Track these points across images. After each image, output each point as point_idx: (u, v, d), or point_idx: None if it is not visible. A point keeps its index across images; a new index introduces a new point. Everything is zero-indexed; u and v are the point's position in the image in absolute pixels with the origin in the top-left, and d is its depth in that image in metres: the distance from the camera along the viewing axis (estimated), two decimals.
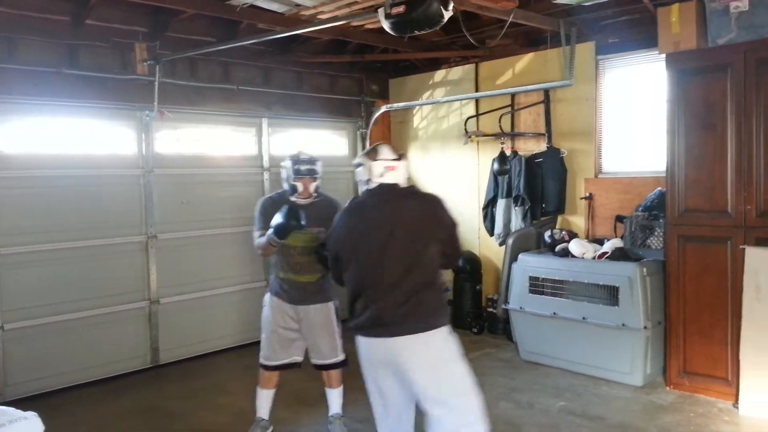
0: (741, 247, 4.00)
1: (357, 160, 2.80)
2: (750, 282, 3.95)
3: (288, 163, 3.69)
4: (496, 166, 5.82)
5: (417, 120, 6.98)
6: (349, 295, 2.76)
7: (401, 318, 2.59)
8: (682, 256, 4.29)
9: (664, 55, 4.34)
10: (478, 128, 6.23)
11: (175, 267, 5.44)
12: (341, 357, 3.78)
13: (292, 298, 3.67)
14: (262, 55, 5.92)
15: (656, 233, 4.63)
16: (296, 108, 6.28)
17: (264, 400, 3.83)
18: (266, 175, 6.05)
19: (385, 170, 2.71)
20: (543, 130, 5.80)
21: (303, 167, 3.66)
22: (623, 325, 4.44)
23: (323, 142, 6.70)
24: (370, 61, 6.63)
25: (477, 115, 6.27)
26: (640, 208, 4.83)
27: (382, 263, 2.61)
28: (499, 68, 6.14)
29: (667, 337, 4.43)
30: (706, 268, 4.20)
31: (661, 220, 4.56)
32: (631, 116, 5.38)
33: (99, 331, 5.01)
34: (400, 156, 2.80)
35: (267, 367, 3.78)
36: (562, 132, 5.71)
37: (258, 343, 5.77)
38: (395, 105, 6.56)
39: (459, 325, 6.18)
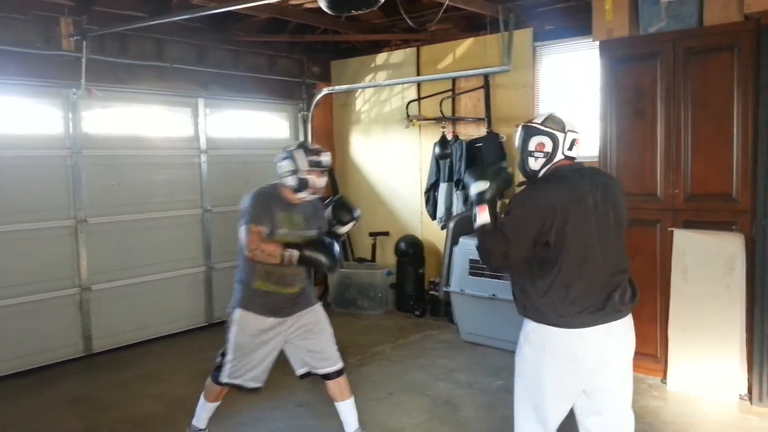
0: (669, 229, 4.17)
1: (534, 126, 2.43)
2: (678, 263, 4.12)
3: (297, 154, 3.10)
4: (437, 150, 5.86)
5: (359, 103, 6.93)
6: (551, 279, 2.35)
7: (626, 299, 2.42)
8: None
9: (598, 43, 4.44)
10: (419, 112, 6.24)
11: (108, 252, 5.23)
12: (341, 363, 3.32)
13: (274, 311, 3.16)
14: (196, 32, 5.72)
15: None
16: (234, 88, 6.12)
17: (207, 412, 3.43)
18: (203, 158, 5.88)
19: (573, 143, 2.43)
20: (483, 115, 5.86)
21: (318, 158, 3.10)
22: None
23: (263, 124, 6.56)
24: (311, 42, 6.52)
25: (419, 99, 6.28)
26: None
27: (607, 241, 2.38)
28: (440, 52, 6.15)
29: None
30: (637, 249, 4.34)
31: None
32: (567, 102, 5.50)
33: (27, 320, 4.77)
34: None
35: (227, 385, 3.26)
36: (501, 117, 5.79)
37: (196, 330, 5.80)
38: (337, 87, 6.50)
39: (402, 308, 6.24)
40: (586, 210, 2.33)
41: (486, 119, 5.82)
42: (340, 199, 3.30)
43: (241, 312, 3.17)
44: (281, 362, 3.83)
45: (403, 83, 6.28)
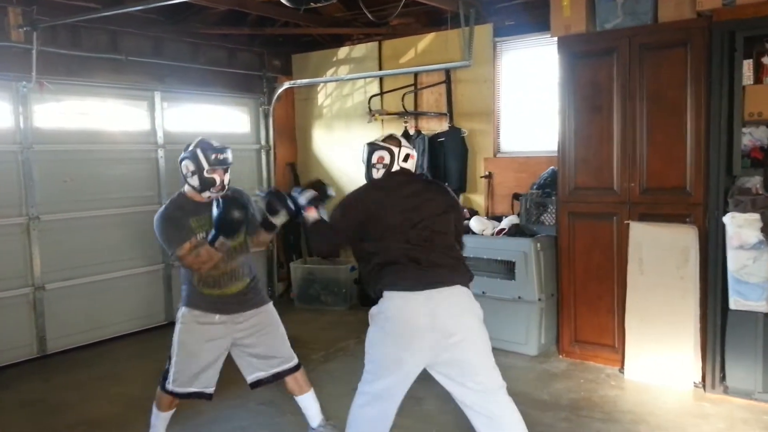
0: (626, 222, 4.25)
1: (375, 143, 2.94)
2: (634, 255, 4.21)
3: (197, 153, 3.01)
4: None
5: (321, 98, 6.88)
6: (380, 262, 2.69)
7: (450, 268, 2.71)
8: (572, 232, 4.51)
9: (556, 39, 4.49)
10: (382, 107, 6.23)
11: (62, 250, 5.08)
12: (296, 359, 3.31)
13: (221, 308, 3.09)
14: (152, 24, 5.58)
15: (549, 210, 4.83)
16: (192, 82, 5.99)
17: (161, 421, 3.27)
18: (161, 152, 5.75)
19: (407, 157, 2.92)
20: (445, 109, 5.89)
21: (220, 155, 3.03)
22: (519, 297, 4.62)
23: (223, 118, 6.45)
24: (271, 35, 6.43)
25: (381, 93, 6.26)
26: (535, 186, 5.02)
27: (434, 223, 2.75)
28: (401, 47, 6.15)
29: (559, 308, 4.66)
30: (595, 242, 4.43)
31: (553, 198, 4.76)
32: (526, 98, 5.57)
33: None
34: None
35: (174, 394, 3.14)
36: (462, 112, 5.82)
37: (155, 329, 5.68)
38: (299, 81, 6.44)
39: (366, 303, 6.20)
40: (409, 199, 2.77)
41: (448, 114, 5.85)
42: (273, 190, 3.17)
43: (185, 309, 3.11)
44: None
45: (365, 78, 6.25)
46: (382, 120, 6.21)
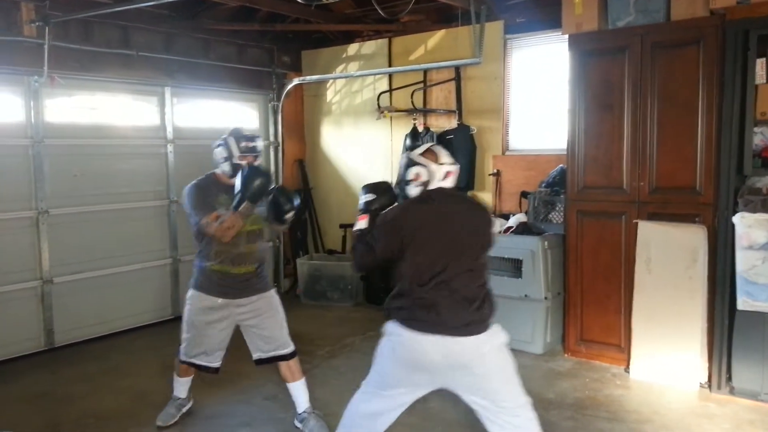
0: (634, 221, 4.23)
1: (412, 158, 2.67)
2: (642, 254, 4.19)
3: (229, 140, 3.30)
4: (408, 142, 5.85)
5: (330, 94, 6.88)
6: (407, 285, 2.57)
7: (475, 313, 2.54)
8: (580, 230, 4.49)
9: (567, 36, 4.47)
10: (391, 104, 6.22)
11: (70, 244, 5.10)
12: (293, 347, 3.48)
13: (223, 292, 3.32)
14: (164, 19, 5.60)
15: (557, 208, 4.81)
16: (202, 77, 6.01)
17: (181, 385, 3.68)
18: (170, 148, 5.77)
19: (446, 175, 2.65)
20: (454, 107, 5.87)
21: (251, 144, 3.31)
22: (526, 296, 4.61)
23: (233, 114, 6.46)
24: (281, 32, 6.44)
25: (390, 90, 6.26)
26: (543, 185, 5.00)
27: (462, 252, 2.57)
28: (411, 44, 6.14)
29: (565, 307, 4.64)
30: (603, 241, 4.41)
31: (562, 196, 4.73)
32: (536, 95, 5.54)
33: None
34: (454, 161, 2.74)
35: (185, 362, 3.52)
36: (471, 109, 5.80)
37: (162, 323, 5.71)
38: (308, 78, 6.43)
39: (372, 300, 6.22)
40: (442, 227, 2.57)
41: (457, 111, 5.83)
42: (279, 188, 3.30)
43: (193, 292, 3.39)
44: (244, 355, 3.81)
45: (374, 74, 6.25)
46: (391, 117, 6.20)
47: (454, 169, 2.69)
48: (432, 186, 2.63)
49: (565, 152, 4.54)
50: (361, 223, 2.75)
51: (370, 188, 2.86)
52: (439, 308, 2.48)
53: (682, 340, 4.03)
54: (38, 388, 4.28)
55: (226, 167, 3.30)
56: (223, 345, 3.47)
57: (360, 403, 2.71)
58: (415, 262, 2.53)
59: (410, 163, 2.66)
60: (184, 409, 3.73)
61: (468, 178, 5.70)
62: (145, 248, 5.62)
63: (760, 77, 3.69)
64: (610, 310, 4.40)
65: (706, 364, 3.99)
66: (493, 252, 4.61)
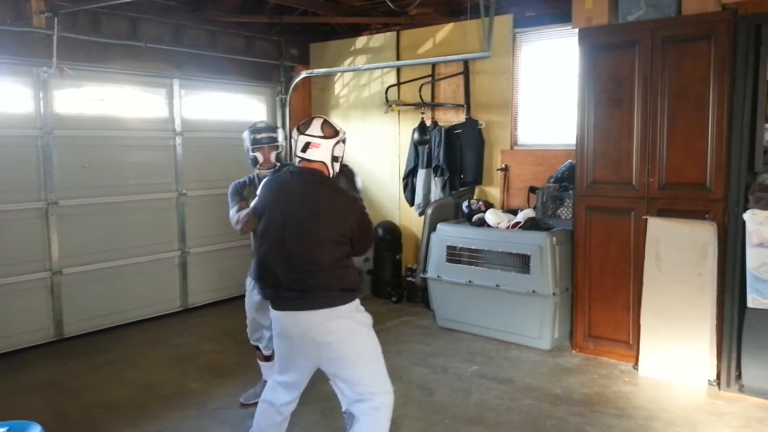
0: (643, 217, 4.21)
1: (293, 134, 2.77)
2: (651, 250, 4.17)
3: (245, 134, 3.62)
4: (416, 136, 5.83)
5: (338, 87, 6.86)
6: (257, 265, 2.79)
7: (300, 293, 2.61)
8: (589, 226, 4.47)
9: (577, 30, 4.44)
10: (399, 97, 6.21)
11: (79, 235, 5.13)
12: None
13: None
14: (172, 11, 5.59)
15: (566, 204, 4.79)
16: (210, 69, 6.01)
17: (266, 369, 3.77)
18: (178, 140, 5.78)
19: (305, 146, 2.67)
20: (462, 101, 5.84)
21: (260, 135, 3.59)
22: (533, 291, 4.60)
23: (240, 106, 6.46)
24: (289, 24, 6.42)
25: (398, 84, 6.23)
26: (552, 180, 4.98)
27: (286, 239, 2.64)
28: (420, 37, 6.11)
29: (573, 303, 4.63)
30: (611, 237, 4.39)
31: (570, 192, 4.71)
32: (545, 90, 5.51)
33: None
34: (331, 134, 2.69)
35: (262, 355, 3.76)
36: (480, 104, 5.78)
37: (170, 315, 5.74)
38: (316, 71, 6.40)
39: (379, 294, 6.23)
40: (281, 205, 2.66)
41: (465, 105, 5.81)
42: None
43: (248, 278, 3.63)
44: (252, 346, 3.83)
45: (382, 68, 6.22)
46: (399, 111, 6.18)
47: (320, 141, 2.65)
48: (296, 158, 2.72)
49: (574, 147, 4.52)
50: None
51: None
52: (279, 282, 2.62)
53: (691, 337, 4.01)
54: (48, 378, 4.31)
55: (250, 158, 3.64)
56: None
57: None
58: (264, 234, 2.71)
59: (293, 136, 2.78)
60: None
61: (476, 172, 5.69)
62: (154, 240, 5.64)
63: None
64: (619, 307, 4.39)
65: (715, 362, 3.98)
66: (500, 247, 4.60)
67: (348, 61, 6.66)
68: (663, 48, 4.08)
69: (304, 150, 2.66)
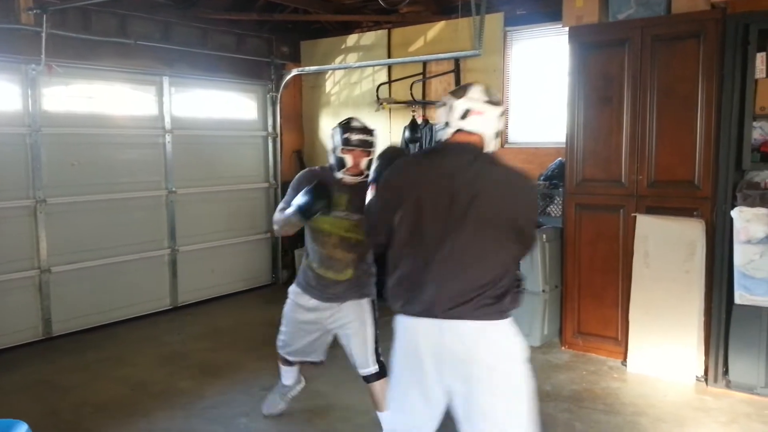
0: (632, 215, 4.23)
1: (441, 100, 2.22)
2: (639, 248, 4.19)
3: (336, 131, 3.01)
4: (407, 134, 5.84)
5: (329, 85, 6.86)
6: (394, 267, 2.19)
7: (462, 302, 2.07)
8: (578, 224, 4.49)
9: (567, 29, 4.45)
10: (390, 95, 6.20)
11: (68, 234, 5.09)
12: (374, 368, 3.07)
13: (321, 296, 3.08)
14: (161, 8, 5.57)
15: (556, 201, 4.81)
16: (200, 67, 5.98)
17: (287, 372, 3.52)
18: (168, 138, 5.75)
19: (465, 113, 2.13)
20: None
21: (355, 137, 2.95)
22: (523, 288, 4.61)
23: (231, 104, 6.44)
24: (280, 22, 6.41)
25: (389, 82, 6.24)
26: (542, 178, 5.00)
27: (453, 236, 2.07)
28: (411, 35, 6.11)
29: (563, 300, 4.65)
30: (600, 234, 4.42)
31: (560, 189, 4.73)
32: (536, 88, 5.53)
33: None
34: (493, 100, 2.18)
35: (286, 361, 3.42)
36: None
37: (160, 313, 5.72)
38: (307, 69, 6.41)
39: (380, 294, 6.20)
40: (440, 195, 2.07)
41: None
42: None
43: (293, 286, 3.24)
44: (243, 345, 3.82)
45: (373, 66, 6.22)
46: (390, 109, 6.18)
47: (484, 107, 2.13)
48: (449, 130, 2.16)
49: (564, 145, 4.54)
50: (369, 195, 2.36)
51: (381, 154, 2.50)
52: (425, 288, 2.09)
53: (679, 333, 4.04)
54: (36, 377, 4.29)
55: (331, 159, 3.03)
56: (309, 347, 3.25)
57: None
58: (405, 233, 2.12)
59: (440, 104, 2.23)
60: (291, 394, 3.59)
61: None
62: (143, 238, 5.61)
63: (760, 71, 3.69)
64: (608, 304, 4.41)
65: (703, 358, 4.01)
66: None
67: (339, 58, 6.65)
68: (652, 46, 4.10)
69: (463, 117, 2.13)
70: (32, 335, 4.93)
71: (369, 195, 2.37)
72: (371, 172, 2.46)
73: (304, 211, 2.82)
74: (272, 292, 6.52)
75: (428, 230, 2.09)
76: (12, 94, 4.78)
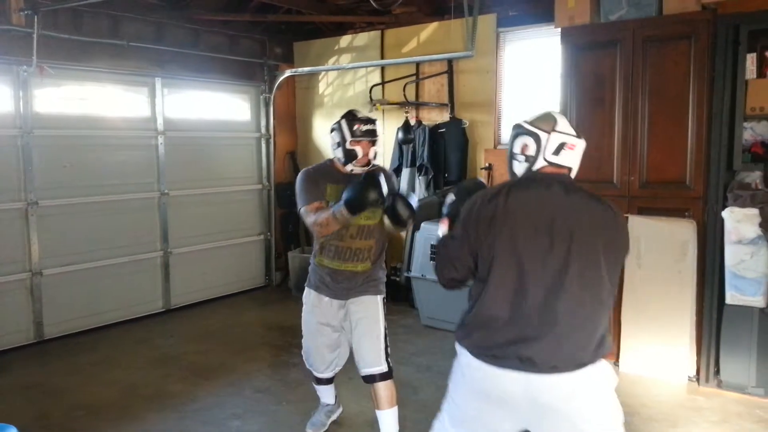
0: (624, 215, 4.24)
1: (520, 124, 2.11)
2: (632, 248, 4.15)
3: (342, 124, 2.97)
4: (400, 135, 5.84)
5: (322, 86, 6.85)
6: (479, 306, 2.05)
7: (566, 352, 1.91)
8: None
9: (560, 30, 4.46)
10: (383, 96, 6.21)
11: (60, 236, 5.07)
12: (384, 367, 3.01)
13: (335, 292, 3.05)
14: (154, 9, 5.55)
15: None
16: (193, 68, 5.97)
17: (324, 391, 3.42)
18: (161, 139, 5.73)
19: (560, 148, 2.02)
20: (446, 100, 5.86)
21: (362, 128, 2.94)
22: None
23: (224, 105, 6.43)
24: (273, 23, 6.40)
25: (382, 83, 6.24)
26: None
27: (560, 280, 1.90)
28: (404, 36, 6.11)
29: None
30: None
31: None
32: (528, 89, 5.54)
33: None
34: (580, 133, 2.10)
35: (317, 379, 3.31)
36: (464, 103, 5.80)
37: (153, 316, 5.70)
38: (300, 69, 6.41)
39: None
40: (534, 228, 1.94)
41: (449, 105, 5.83)
42: (397, 196, 2.89)
43: (306, 289, 3.17)
44: (236, 347, 3.81)
45: (367, 66, 6.22)
46: (383, 110, 6.18)
47: (576, 141, 2.05)
48: (538, 163, 2.03)
49: None
50: (441, 229, 2.24)
51: (456, 188, 2.34)
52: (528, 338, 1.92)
53: (671, 333, 4.06)
54: (28, 380, 4.26)
55: (339, 153, 2.98)
56: (327, 353, 3.18)
57: None
58: (494, 267, 1.97)
59: (517, 132, 2.09)
60: (334, 416, 3.50)
61: (460, 171, 5.71)
62: (136, 240, 5.59)
63: (750, 72, 3.71)
64: None
65: (695, 358, 4.03)
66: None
67: (332, 59, 6.65)
68: (644, 47, 4.11)
69: (557, 152, 2.02)
70: (24, 338, 4.90)
71: (441, 229, 2.26)
72: (444, 207, 2.31)
73: (354, 206, 2.74)
74: (266, 295, 6.51)
75: (528, 269, 1.93)
76: (3, 96, 4.76)
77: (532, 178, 2.04)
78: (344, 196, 2.77)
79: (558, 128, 2.04)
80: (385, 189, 2.79)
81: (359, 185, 2.76)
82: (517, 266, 1.93)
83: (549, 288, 1.90)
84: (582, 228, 1.93)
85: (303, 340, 3.23)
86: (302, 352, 3.26)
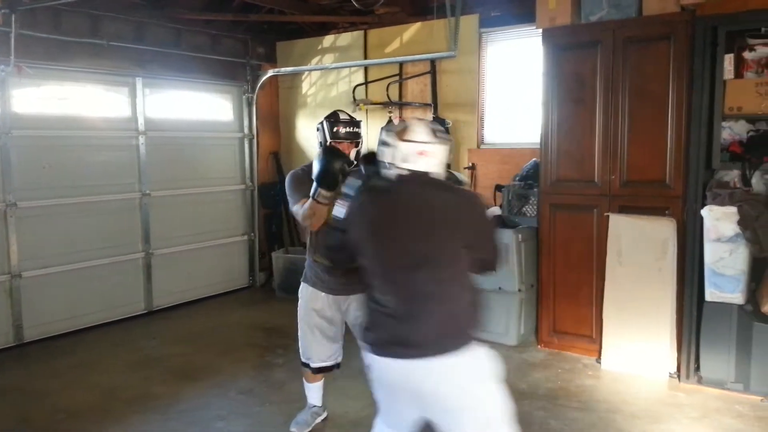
0: (606, 214, 4.29)
1: (382, 137, 2.22)
2: (613, 247, 4.25)
3: (325, 125, 3.09)
4: (384, 135, 5.83)
5: (306, 86, 6.83)
6: (366, 302, 2.30)
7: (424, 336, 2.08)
8: (553, 223, 4.54)
9: (541, 30, 4.49)
10: (366, 96, 6.21)
11: (40, 238, 5.00)
12: None
13: (330, 287, 3.13)
14: (134, 8, 5.50)
15: (531, 201, 4.85)
16: (174, 68, 5.92)
17: (313, 392, 3.46)
18: (142, 140, 5.67)
19: (416, 155, 2.15)
20: (430, 100, 5.88)
21: (344, 129, 3.06)
22: (500, 288, 4.65)
23: (206, 106, 6.38)
24: (256, 22, 6.37)
25: (366, 83, 6.24)
26: (517, 178, 5.04)
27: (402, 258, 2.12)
28: (387, 36, 6.12)
29: (539, 299, 4.69)
30: (575, 234, 4.47)
31: (535, 189, 4.78)
32: (511, 89, 5.58)
33: None
34: (440, 137, 2.21)
35: (310, 368, 3.31)
36: (447, 103, 5.82)
37: (135, 318, 5.65)
38: (283, 69, 6.38)
39: None
40: (387, 223, 2.15)
41: (432, 104, 5.84)
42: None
43: (302, 284, 3.25)
44: (219, 348, 3.78)
45: (350, 67, 6.22)
46: (367, 110, 6.18)
47: (431, 148, 2.16)
48: (395, 169, 2.17)
49: (539, 146, 4.58)
50: (338, 210, 2.43)
51: (363, 159, 2.50)
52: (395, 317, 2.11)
53: (652, 331, 4.10)
54: (8, 383, 4.20)
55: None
56: (327, 344, 3.24)
57: None
58: (367, 266, 2.21)
59: (380, 141, 2.24)
60: (319, 419, 3.50)
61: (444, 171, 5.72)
62: (117, 242, 5.53)
63: (728, 72, 3.76)
64: (582, 302, 4.46)
65: (675, 354, 4.08)
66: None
67: (315, 59, 6.63)
68: (624, 48, 4.16)
69: (406, 160, 2.14)
70: (3, 342, 4.83)
71: (338, 209, 2.42)
72: (345, 188, 2.41)
73: (325, 180, 2.79)
74: (249, 295, 6.48)
75: (390, 258, 2.15)
76: None
77: (391, 183, 2.19)
78: (313, 176, 2.84)
79: (407, 137, 2.16)
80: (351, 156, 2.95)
81: (321, 159, 2.83)
82: (383, 259, 2.16)
83: (411, 275, 2.08)
84: (435, 215, 2.13)
85: (299, 334, 3.27)
86: (299, 347, 3.29)
